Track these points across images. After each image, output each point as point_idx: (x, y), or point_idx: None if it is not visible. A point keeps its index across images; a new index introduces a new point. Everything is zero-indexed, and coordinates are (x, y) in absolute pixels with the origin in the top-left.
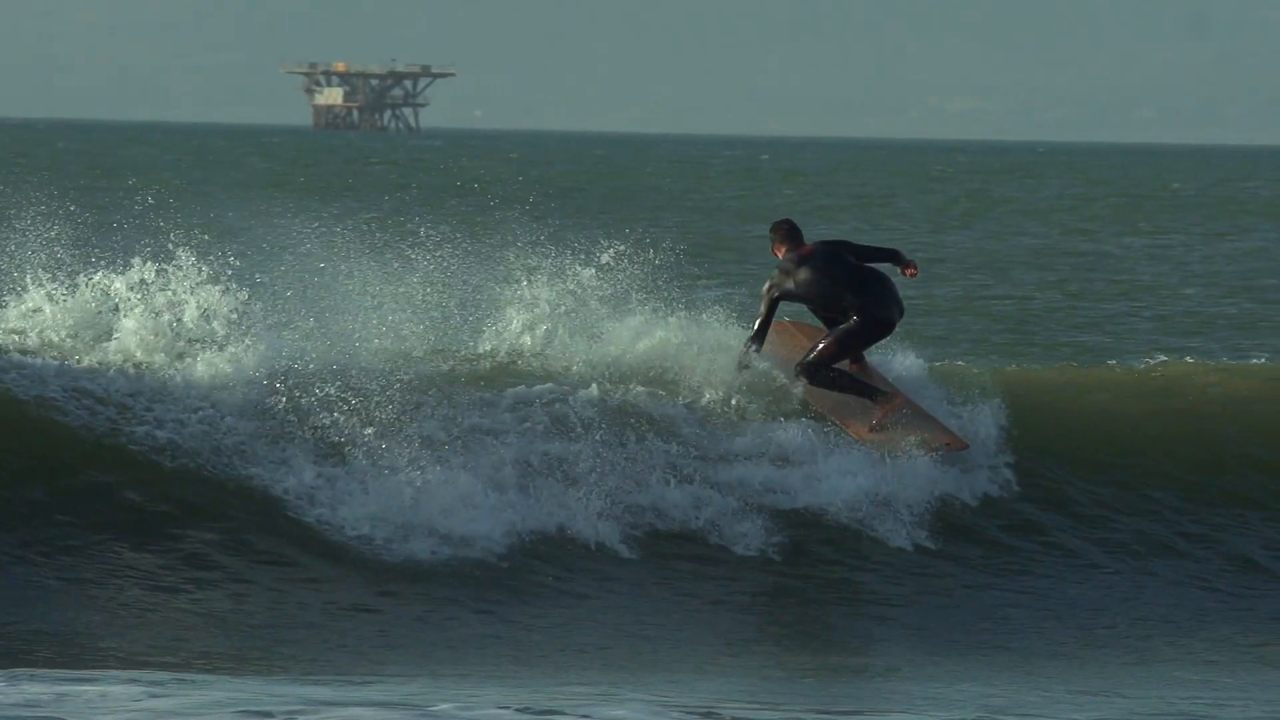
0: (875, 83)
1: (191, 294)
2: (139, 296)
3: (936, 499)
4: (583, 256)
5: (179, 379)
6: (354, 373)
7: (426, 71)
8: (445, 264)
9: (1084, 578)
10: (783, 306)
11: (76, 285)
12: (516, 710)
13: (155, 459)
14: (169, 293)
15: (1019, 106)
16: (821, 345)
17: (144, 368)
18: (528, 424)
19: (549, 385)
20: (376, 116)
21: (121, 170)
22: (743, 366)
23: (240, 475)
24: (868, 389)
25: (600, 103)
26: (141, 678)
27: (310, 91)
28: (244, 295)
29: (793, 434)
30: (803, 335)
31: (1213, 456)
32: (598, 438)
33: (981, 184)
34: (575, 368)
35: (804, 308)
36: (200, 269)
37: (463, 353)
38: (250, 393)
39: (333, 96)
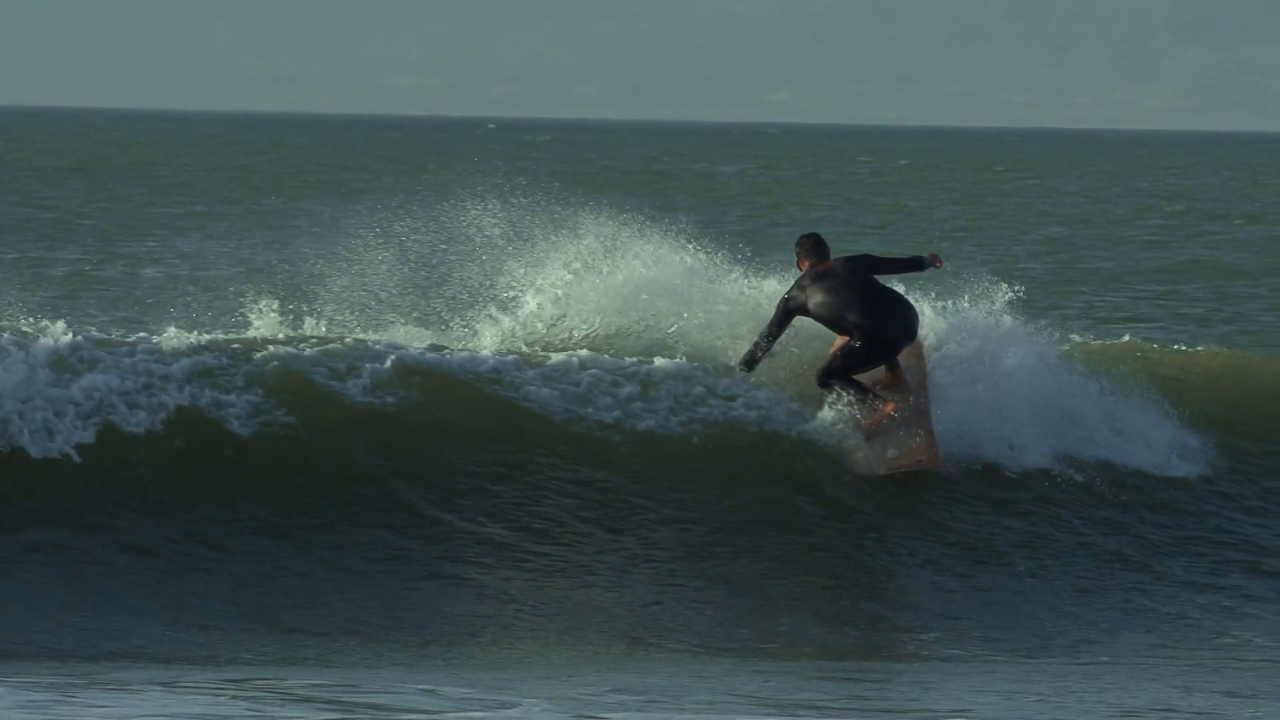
0: (318, 58)
1: None
2: None
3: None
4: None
5: None
6: None
7: None
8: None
9: None
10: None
11: None
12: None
13: None
14: None
15: (461, 83)
16: (830, 357)
17: None
18: None
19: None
20: None
21: None
22: (745, 366)
23: None
24: (865, 397)
25: (18, 75)
26: None
27: None
28: None
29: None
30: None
31: None
32: None
33: (437, 162)
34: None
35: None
36: None
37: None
38: None
39: None
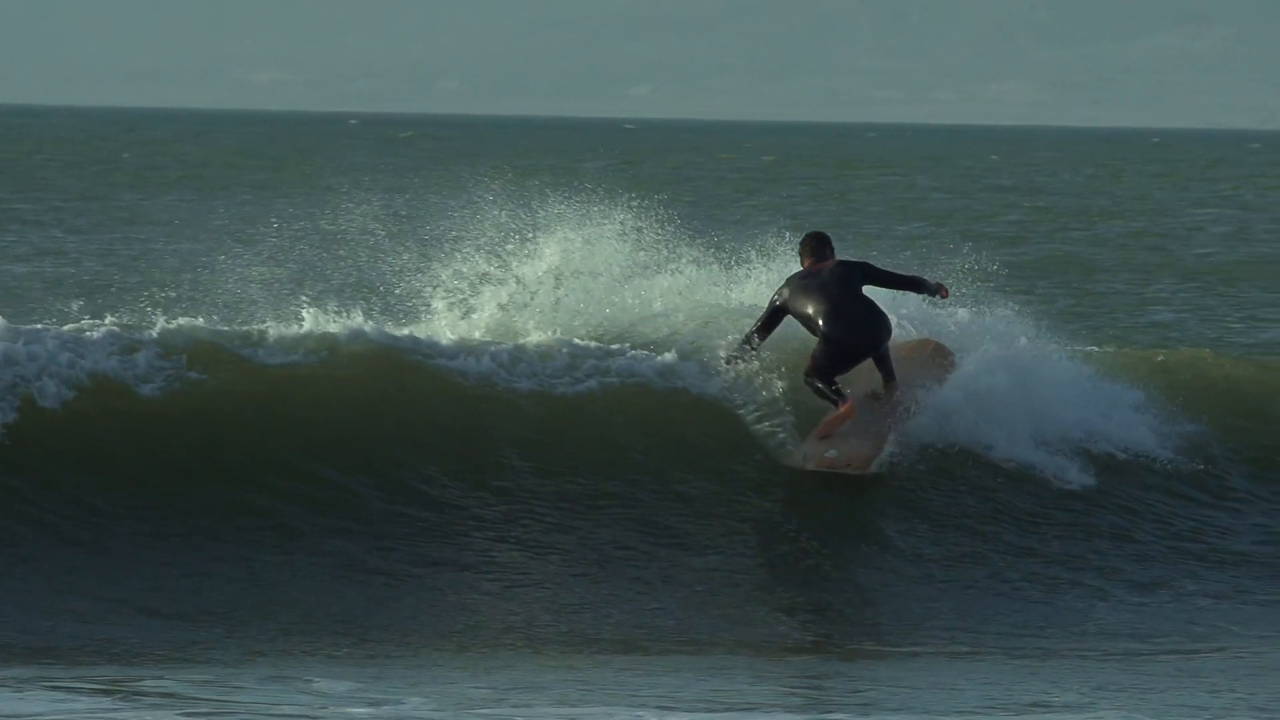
0: (176, 53)
1: None
2: None
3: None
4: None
5: None
6: None
7: None
8: None
9: None
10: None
11: None
12: None
13: None
14: None
15: (323, 77)
16: (810, 357)
17: None
18: None
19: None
20: None
21: None
22: (731, 361)
23: None
24: (831, 399)
25: None
26: None
27: None
28: None
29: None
30: (917, 345)
31: None
32: None
33: (302, 158)
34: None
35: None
36: None
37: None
38: None
39: None
